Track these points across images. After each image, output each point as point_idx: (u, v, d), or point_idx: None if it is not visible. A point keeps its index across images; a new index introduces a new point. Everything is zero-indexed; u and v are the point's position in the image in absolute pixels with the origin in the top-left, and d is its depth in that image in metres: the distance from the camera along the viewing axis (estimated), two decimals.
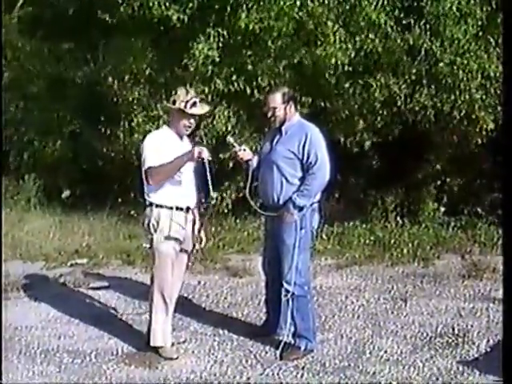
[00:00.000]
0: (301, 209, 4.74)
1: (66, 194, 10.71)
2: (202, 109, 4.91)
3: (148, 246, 4.94)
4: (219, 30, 8.17)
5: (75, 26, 9.69)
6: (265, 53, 8.25)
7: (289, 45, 8.21)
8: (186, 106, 4.76)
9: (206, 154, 4.64)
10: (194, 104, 4.79)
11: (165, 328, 4.93)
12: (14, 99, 10.95)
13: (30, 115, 10.90)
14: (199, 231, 5.02)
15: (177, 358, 4.88)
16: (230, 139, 5.19)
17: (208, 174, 4.66)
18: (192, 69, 8.25)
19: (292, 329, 4.91)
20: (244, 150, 5.01)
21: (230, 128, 8.50)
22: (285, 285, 4.78)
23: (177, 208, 4.79)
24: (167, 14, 8.18)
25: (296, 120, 4.91)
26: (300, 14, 7.93)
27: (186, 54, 8.25)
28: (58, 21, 9.89)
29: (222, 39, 8.20)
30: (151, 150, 4.74)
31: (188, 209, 4.87)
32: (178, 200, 4.79)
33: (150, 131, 8.77)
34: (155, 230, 4.78)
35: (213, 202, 4.85)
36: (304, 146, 4.71)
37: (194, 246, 5.04)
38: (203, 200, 5.01)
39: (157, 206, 4.77)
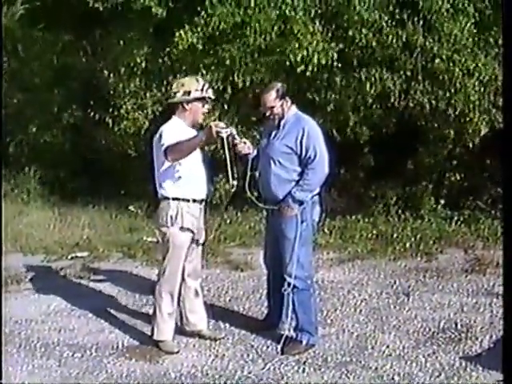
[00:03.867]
0: (301, 203, 4.70)
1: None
2: (212, 92, 4.91)
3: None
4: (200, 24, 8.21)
5: (73, 18, 9.69)
6: (246, 48, 8.26)
7: (273, 42, 8.19)
8: (202, 91, 4.75)
9: (224, 130, 4.51)
10: (208, 88, 4.81)
11: (169, 322, 4.90)
12: (14, 91, 10.94)
13: (30, 107, 10.88)
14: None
15: (178, 352, 4.85)
16: (232, 131, 5.05)
17: (227, 152, 4.54)
18: (174, 58, 8.41)
19: (294, 323, 4.88)
20: (244, 142, 4.91)
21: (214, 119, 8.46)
22: (286, 278, 4.74)
23: (194, 200, 4.78)
24: (149, 6, 8.27)
25: (292, 114, 4.82)
26: (275, 12, 7.97)
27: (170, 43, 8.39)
28: (57, 12, 9.87)
29: (205, 30, 8.22)
30: (170, 134, 4.65)
31: (202, 200, 4.87)
32: (194, 192, 4.78)
33: (138, 119, 8.94)
34: (172, 224, 4.75)
35: (233, 189, 4.75)
36: (302, 141, 4.65)
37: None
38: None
39: (174, 199, 4.74)
